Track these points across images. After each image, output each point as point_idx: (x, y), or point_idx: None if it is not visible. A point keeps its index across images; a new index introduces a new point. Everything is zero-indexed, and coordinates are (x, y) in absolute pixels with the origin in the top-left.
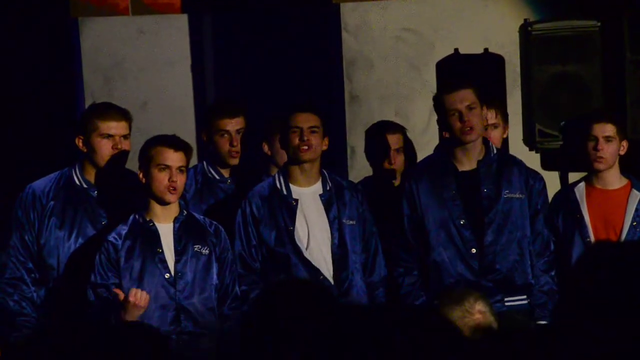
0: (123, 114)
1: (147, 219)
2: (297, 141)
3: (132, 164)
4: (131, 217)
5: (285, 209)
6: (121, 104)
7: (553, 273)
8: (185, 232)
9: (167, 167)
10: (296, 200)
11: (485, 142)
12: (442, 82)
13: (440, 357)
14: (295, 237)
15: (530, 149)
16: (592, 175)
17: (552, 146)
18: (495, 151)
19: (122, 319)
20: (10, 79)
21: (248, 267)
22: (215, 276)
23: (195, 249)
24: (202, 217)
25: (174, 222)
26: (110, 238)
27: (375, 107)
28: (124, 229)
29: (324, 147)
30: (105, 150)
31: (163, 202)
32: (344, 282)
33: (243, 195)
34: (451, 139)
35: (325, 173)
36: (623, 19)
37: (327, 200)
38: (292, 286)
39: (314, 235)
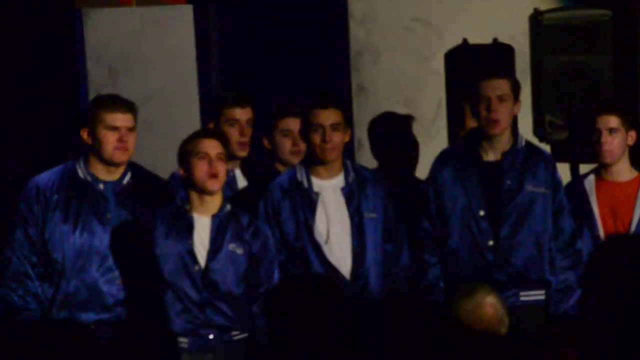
0: (129, 106)
1: (187, 208)
2: (319, 140)
3: (137, 156)
4: (172, 203)
5: (306, 203)
6: (126, 96)
7: (575, 270)
8: (222, 229)
9: (206, 154)
10: (317, 194)
11: (514, 133)
12: (451, 72)
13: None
14: (315, 231)
15: (540, 140)
16: (600, 167)
17: (562, 137)
18: (523, 143)
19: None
20: (13, 71)
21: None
22: (244, 276)
23: (230, 247)
24: (246, 214)
25: (214, 217)
26: (150, 220)
27: (383, 98)
28: (161, 214)
29: (346, 139)
30: (110, 142)
31: (205, 192)
32: (360, 277)
33: (252, 188)
34: (478, 127)
35: (348, 163)
36: (635, 8)
37: (349, 193)
38: (304, 282)
39: (334, 230)
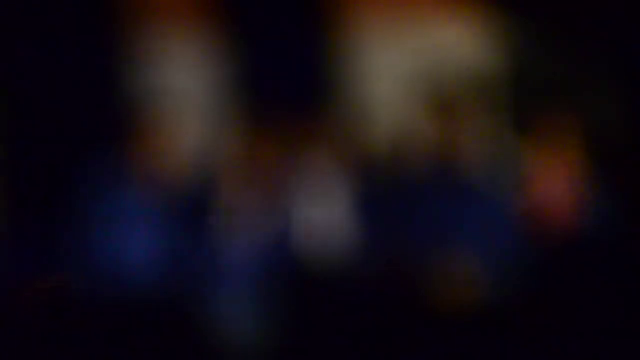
0: (174, 117)
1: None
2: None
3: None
4: None
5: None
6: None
7: (519, 258)
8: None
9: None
10: (309, 176)
11: (459, 146)
12: (425, 94)
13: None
14: (301, 219)
15: (501, 153)
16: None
17: (522, 149)
18: (471, 156)
19: None
20: (58, 86)
21: None
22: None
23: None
24: None
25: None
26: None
27: (371, 115)
28: None
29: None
30: (157, 151)
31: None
32: (345, 264)
33: None
34: (428, 144)
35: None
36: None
37: (335, 184)
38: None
39: (320, 219)
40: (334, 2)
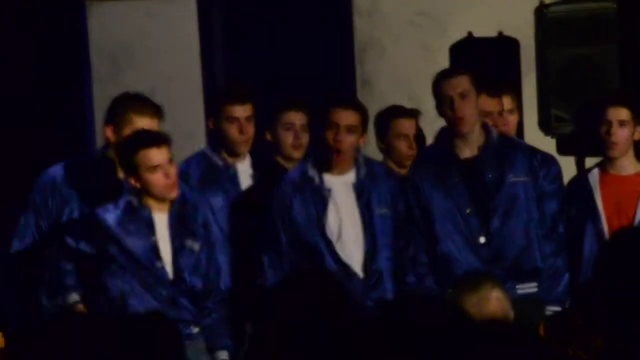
0: (157, 111)
1: (143, 204)
2: (331, 139)
3: None
4: (124, 199)
5: (317, 199)
6: (129, 89)
7: (561, 255)
8: (179, 224)
9: (157, 166)
10: (329, 190)
11: (486, 127)
12: (456, 65)
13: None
14: (327, 228)
15: (546, 134)
16: (606, 160)
17: (568, 130)
18: (495, 136)
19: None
20: (17, 63)
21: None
22: (203, 271)
23: (188, 243)
24: (193, 205)
25: (169, 213)
26: (102, 216)
27: (387, 92)
28: (117, 210)
29: (361, 143)
30: None
31: (165, 199)
32: (372, 274)
33: (258, 183)
34: (449, 126)
35: (360, 158)
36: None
37: (360, 190)
38: (314, 278)
39: (345, 226)
40: None
